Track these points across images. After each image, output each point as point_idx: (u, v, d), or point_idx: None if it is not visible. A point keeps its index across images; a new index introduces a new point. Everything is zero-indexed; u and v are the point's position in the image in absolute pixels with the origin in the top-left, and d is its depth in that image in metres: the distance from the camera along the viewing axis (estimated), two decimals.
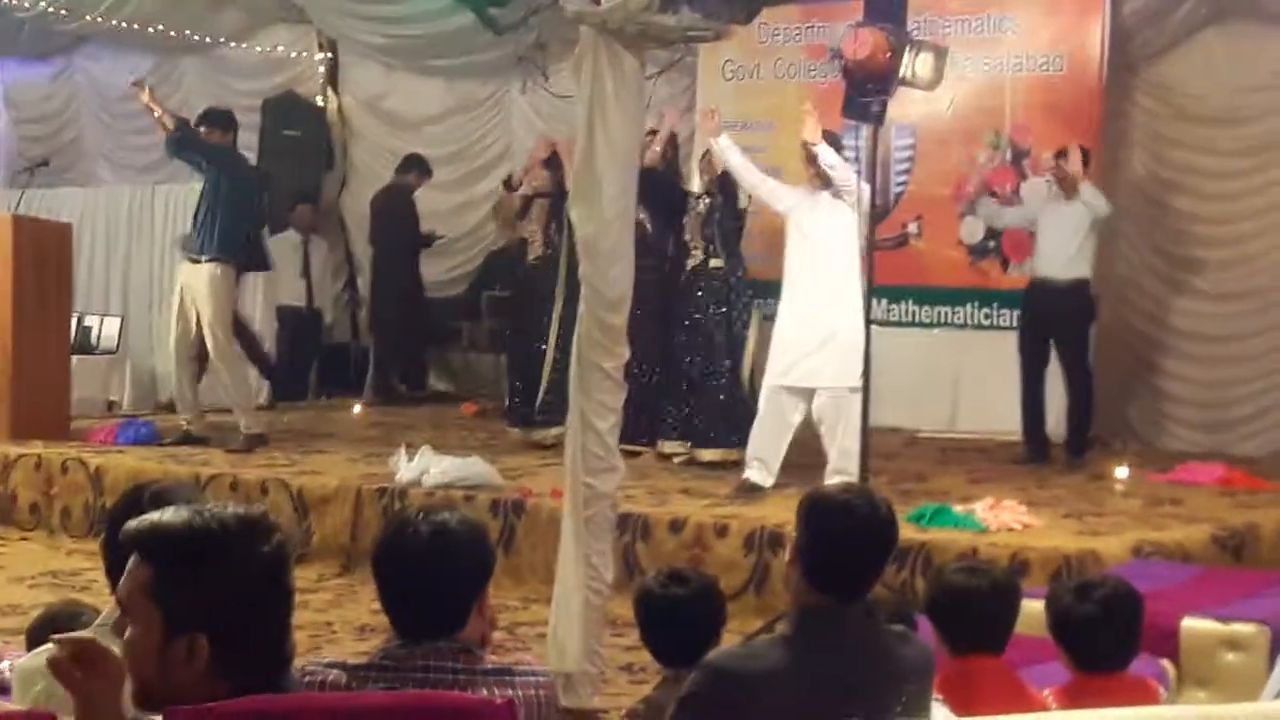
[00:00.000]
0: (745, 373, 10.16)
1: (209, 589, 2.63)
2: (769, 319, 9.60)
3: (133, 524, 2.74)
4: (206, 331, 10.65)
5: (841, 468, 8.83)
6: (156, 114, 10.94)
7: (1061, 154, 10.52)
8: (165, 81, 15.65)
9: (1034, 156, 11.54)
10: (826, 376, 9.00)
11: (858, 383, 8.76)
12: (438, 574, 3.44)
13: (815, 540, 3.73)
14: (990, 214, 11.32)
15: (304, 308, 14.09)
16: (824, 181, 9.19)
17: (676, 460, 10.29)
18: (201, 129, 10.98)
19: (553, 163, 11.02)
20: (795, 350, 9.12)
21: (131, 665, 2.68)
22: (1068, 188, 10.46)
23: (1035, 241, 10.73)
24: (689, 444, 10.33)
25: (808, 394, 9.11)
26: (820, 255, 9.13)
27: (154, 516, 2.73)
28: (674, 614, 4.54)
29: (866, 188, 8.83)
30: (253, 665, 2.63)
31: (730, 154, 9.61)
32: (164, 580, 2.64)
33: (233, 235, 10.82)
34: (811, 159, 9.22)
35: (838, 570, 3.70)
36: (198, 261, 10.73)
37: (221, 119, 11.18)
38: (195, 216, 10.87)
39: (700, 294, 10.32)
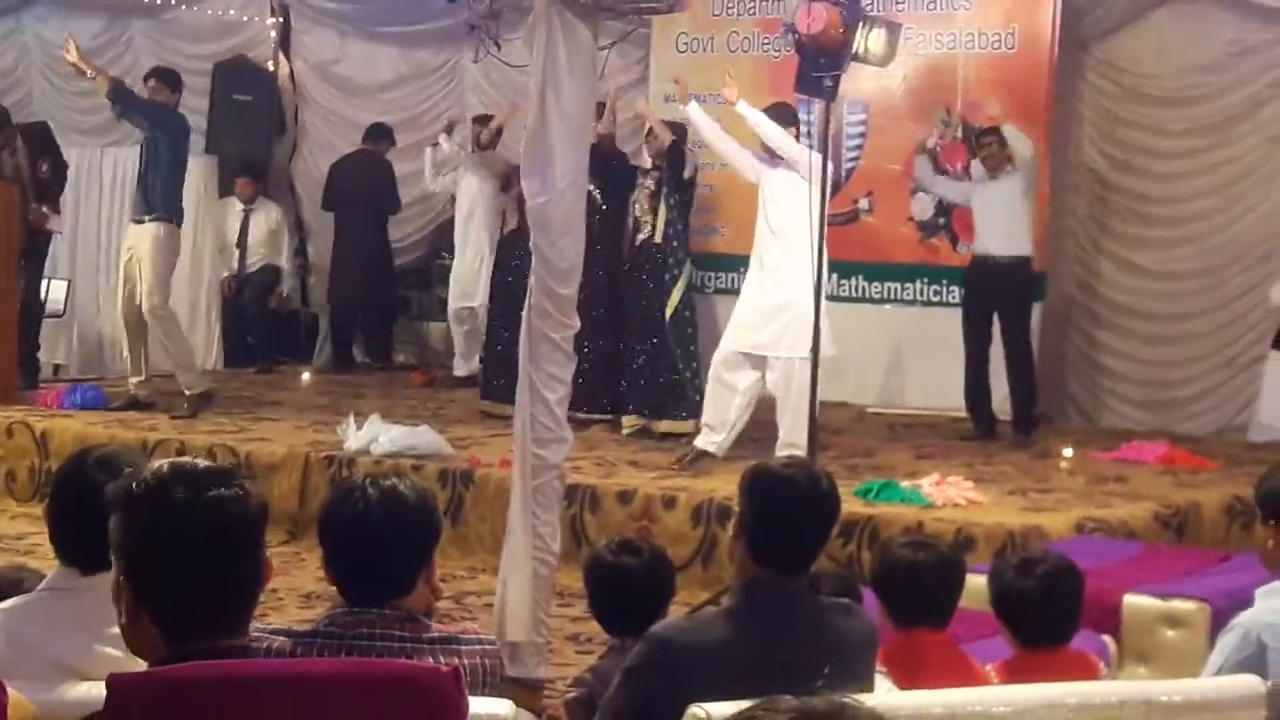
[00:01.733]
0: (671, 343, 10.21)
1: (120, 532, 2.63)
2: (719, 291, 9.66)
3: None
4: (145, 288, 10.58)
5: (791, 440, 8.86)
6: (89, 74, 10.87)
7: (987, 133, 10.62)
8: (114, 44, 15.52)
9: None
10: (780, 346, 9.05)
11: (807, 353, 8.82)
12: (385, 539, 3.43)
13: (757, 514, 3.76)
14: (926, 178, 11.37)
15: (235, 275, 13.99)
16: (770, 152, 9.24)
17: (626, 432, 10.29)
18: (150, 83, 10.91)
19: None
20: (751, 319, 9.17)
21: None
22: (992, 166, 10.57)
23: (974, 221, 10.79)
24: (642, 416, 10.34)
25: (759, 362, 9.15)
26: (777, 227, 9.19)
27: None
28: (624, 583, 4.56)
29: (818, 157, 8.84)
30: (190, 624, 2.60)
31: (700, 119, 9.63)
32: (114, 527, 2.64)
33: (175, 195, 10.78)
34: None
35: (780, 544, 3.72)
36: (141, 222, 10.68)
37: (170, 77, 11.12)
38: (140, 177, 10.80)
39: (648, 267, 10.33)
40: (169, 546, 2.60)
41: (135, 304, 10.72)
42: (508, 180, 11.52)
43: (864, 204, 12.06)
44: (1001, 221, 10.42)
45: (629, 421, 10.40)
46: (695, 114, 9.67)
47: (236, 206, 14.00)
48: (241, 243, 14.03)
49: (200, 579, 2.60)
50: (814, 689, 1.88)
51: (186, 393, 10.78)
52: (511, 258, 11.24)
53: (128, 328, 10.85)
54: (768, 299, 9.14)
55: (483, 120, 12.87)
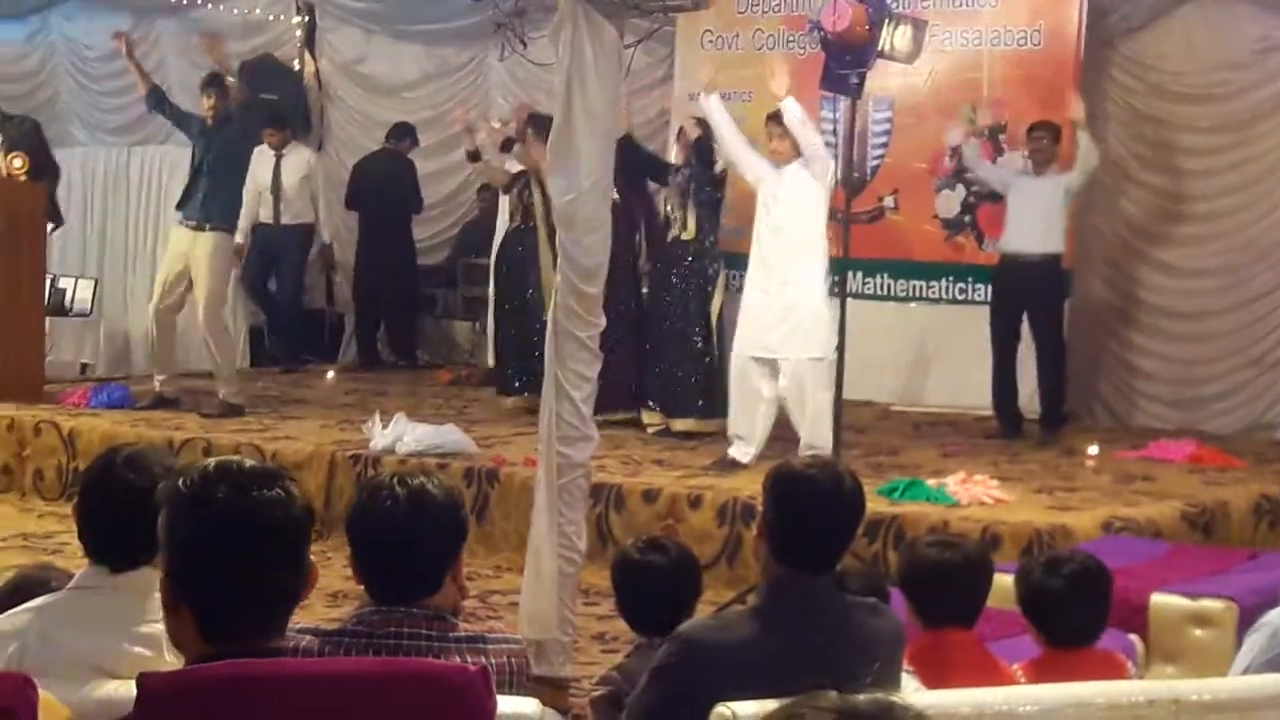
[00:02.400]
0: (713, 343, 10.18)
1: (165, 530, 2.63)
2: (739, 291, 9.62)
3: None
4: (201, 299, 10.61)
5: (813, 444, 8.84)
6: (135, 73, 10.90)
7: (1039, 127, 10.56)
8: (141, 43, 15.48)
9: (1010, 131, 11.54)
10: (789, 348, 9.03)
11: (821, 354, 8.84)
12: (413, 538, 3.43)
13: (781, 515, 3.75)
14: (972, 160, 11.23)
15: (273, 224, 13.84)
16: (785, 155, 9.18)
17: (651, 430, 10.29)
18: (215, 91, 10.87)
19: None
20: (759, 322, 9.15)
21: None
22: (1040, 161, 10.52)
23: (1006, 216, 10.76)
24: (664, 414, 10.34)
25: (774, 365, 9.14)
26: (783, 227, 9.15)
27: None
28: (651, 582, 4.56)
29: (832, 163, 8.85)
30: (229, 624, 2.61)
31: (716, 113, 9.58)
32: (160, 524, 2.65)
33: (233, 203, 10.83)
34: (775, 127, 9.23)
35: (804, 544, 3.72)
36: (201, 229, 10.67)
37: (221, 84, 11.12)
38: (194, 182, 10.76)
39: (682, 265, 10.32)
40: (209, 545, 2.60)
41: (173, 303, 10.75)
42: (509, 184, 11.56)
43: (889, 201, 12.03)
44: (1039, 219, 10.38)
45: (650, 418, 10.39)
46: (712, 106, 9.61)
47: (268, 153, 13.80)
48: (275, 189, 13.87)
49: (239, 579, 2.61)
50: (856, 687, 1.88)
51: (221, 397, 10.79)
52: (513, 251, 11.29)
53: (159, 325, 10.87)
54: (774, 300, 9.12)
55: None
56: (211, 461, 2.70)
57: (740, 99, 12.13)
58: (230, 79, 11.06)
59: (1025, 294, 10.47)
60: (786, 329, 9.05)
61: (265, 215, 13.50)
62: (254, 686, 2.53)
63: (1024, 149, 10.92)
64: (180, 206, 10.82)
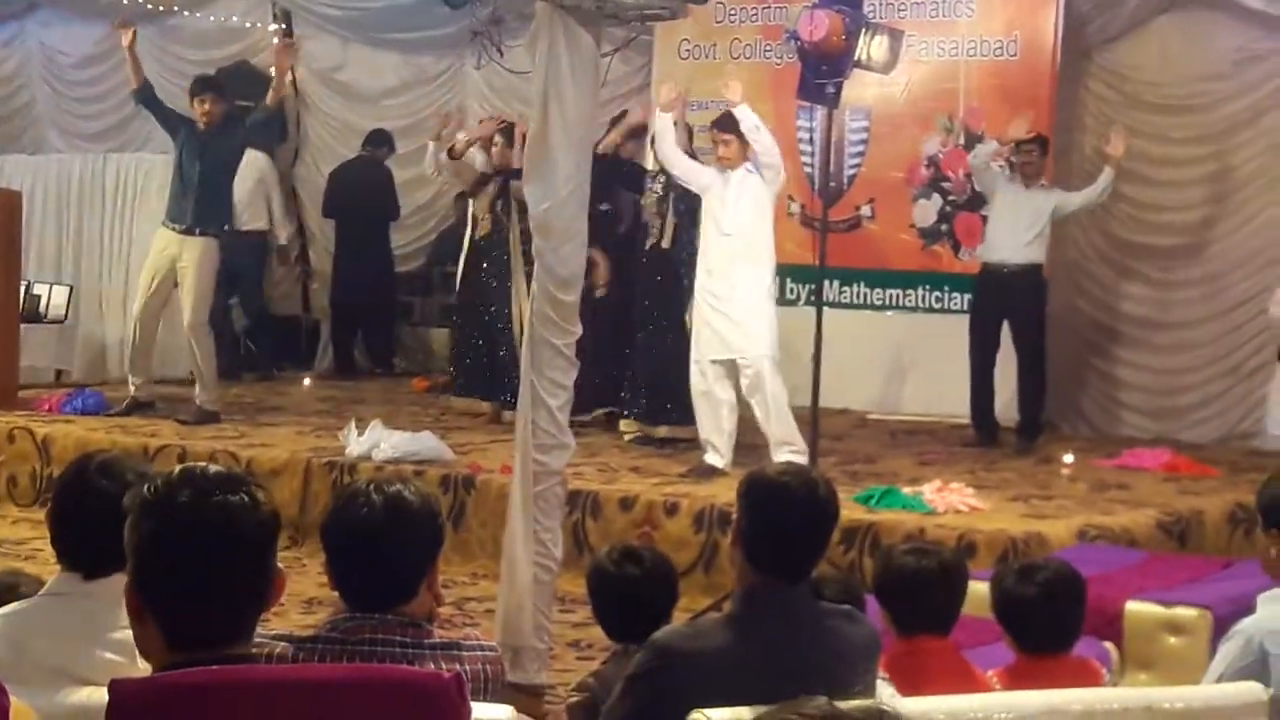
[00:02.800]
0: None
1: (130, 536, 2.61)
2: None
3: None
4: (188, 303, 10.58)
5: (785, 439, 8.89)
6: (130, 65, 10.85)
7: (1030, 141, 10.56)
8: (118, 49, 15.38)
9: (987, 141, 11.55)
10: (746, 348, 9.07)
11: (773, 352, 8.90)
12: (389, 544, 3.43)
13: (754, 522, 3.76)
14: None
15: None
16: (732, 160, 9.21)
17: (628, 438, 10.29)
18: (210, 95, 10.83)
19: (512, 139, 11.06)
20: (714, 325, 9.19)
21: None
22: (1029, 174, 10.55)
23: (988, 225, 10.77)
24: (643, 421, 10.34)
25: (730, 367, 9.16)
26: (731, 232, 9.18)
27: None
28: (627, 593, 4.56)
29: (783, 172, 8.93)
30: (190, 632, 2.59)
31: (662, 130, 9.60)
32: (126, 530, 2.64)
33: (224, 209, 10.81)
34: (721, 133, 9.26)
35: (778, 551, 3.72)
36: (191, 234, 10.64)
37: (218, 88, 11.09)
38: (183, 186, 10.71)
39: (659, 273, 10.34)
40: (172, 550, 2.58)
41: (160, 309, 10.72)
42: (475, 185, 11.55)
43: (866, 211, 12.05)
44: (1024, 230, 10.42)
45: (627, 425, 10.40)
46: (661, 126, 9.65)
47: None
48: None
49: (203, 585, 2.58)
50: (832, 694, 1.87)
51: (198, 404, 10.75)
52: (480, 261, 11.31)
53: (142, 329, 10.81)
54: (722, 304, 9.16)
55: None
56: (176, 467, 2.69)
57: (717, 108, 12.12)
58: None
59: (1007, 303, 10.49)
60: (741, 330, 9.10)
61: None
62: (227, 693, 2.53)
63: (1000, 160, 10.87)
64: (170, 210, 10.76)
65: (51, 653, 3.24)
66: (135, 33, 11.08)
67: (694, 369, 9.32)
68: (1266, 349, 10.90)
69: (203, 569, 2.57)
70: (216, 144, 10.72)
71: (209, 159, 10.69)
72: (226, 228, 11.04)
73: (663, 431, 10.18)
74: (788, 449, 8.78)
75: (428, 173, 12.70)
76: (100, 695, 2.55)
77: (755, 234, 9.18)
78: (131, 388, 10.94)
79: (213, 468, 2.70)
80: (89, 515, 3.34)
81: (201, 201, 10.63)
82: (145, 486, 2.63)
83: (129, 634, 3.22)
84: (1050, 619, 4.37)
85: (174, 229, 10.67)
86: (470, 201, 11.73)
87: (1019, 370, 10.56)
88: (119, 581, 3.24)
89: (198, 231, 10.61)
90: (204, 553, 2.57)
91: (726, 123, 9.27)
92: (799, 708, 1.80)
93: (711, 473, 9.01)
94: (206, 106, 10.75)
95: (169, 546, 2.58)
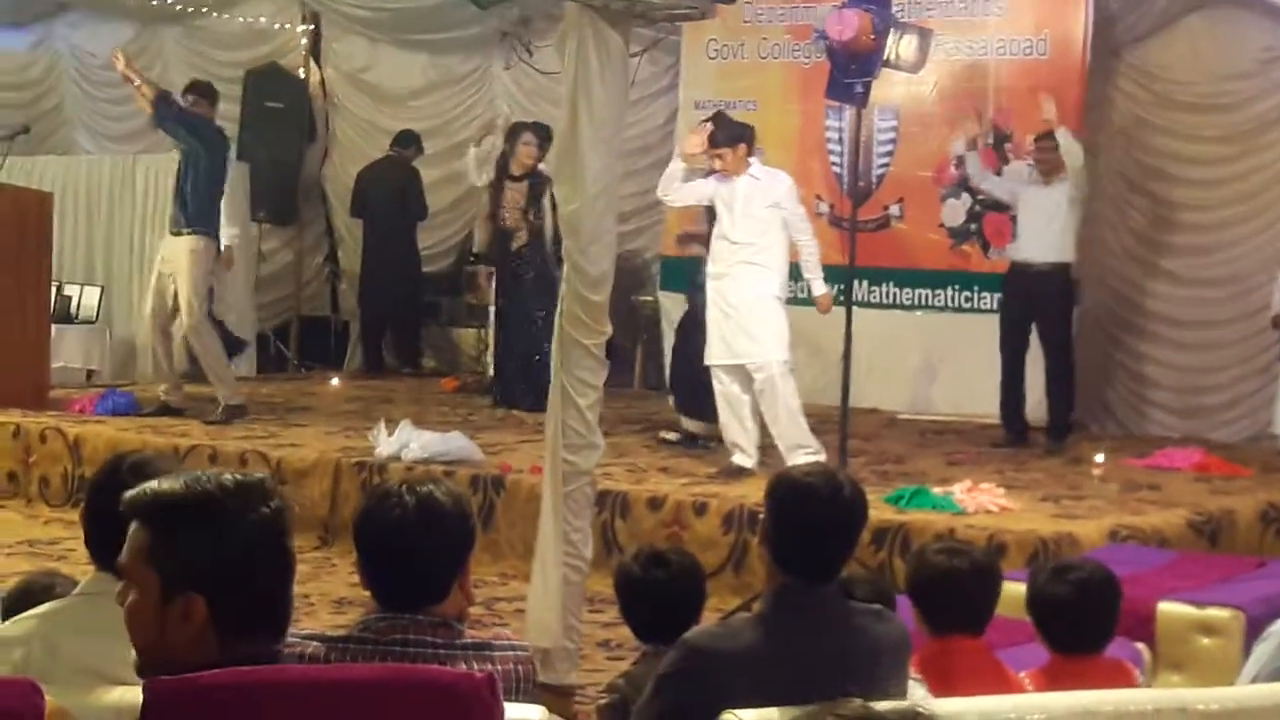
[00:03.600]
0: None
1: (202, 549, 2.63)
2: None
3: (131, 491, 2.75)
4: (183, 304, 10.61)
5: (796, 442, 8.88)
6: (135, 83, 10.85)
7: (1045, 136, 10.55)
8: (145, 51, 15.56)
9: (1016, 140, 11.54)
10: (750, 353, 9.04)
11: (783, 356, 8.88)
12: (422, 545, 3.42)
13: (781, 523, 3.76)
14: (975, 174, 11.23)
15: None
16: (733, 168, 9.19)
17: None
18: (189, 97, 10.93)
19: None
20: (720, 331, 9.16)
21: (132, 632, 2.70)
22: (1046, 170, 10.52)
23: (1015, 225, 10.77)
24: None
25: (743, 370, 9.14)
26: (737, 240, 9.14)
27: (153, 483, 2.75)
28: (654, 596, 4.55)
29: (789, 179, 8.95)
30: (250, 631, 2.63)
31: (670, 175, 9.55)
32: (160, 543, 2.65)
33: (212, 208, 10.82)
34: (714, 149, 9.27)
35: (806, 552, 3.72)
36: (179, 234, 10.69)
37: (209, 90, 11.14)
38: (177, 189, 10.79)
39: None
40: (248, 552, 2.67)
41: (164, 313, 10.76)
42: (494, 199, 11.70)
43: (895, 210, 12.03)
44: (1048, 228, 10.40)
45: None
46: (672, 166, 9.61)
47: None
48: None
49: (266, 588, 2.69)
50: (863, 694, 1.87)
51: (222, 402, 10.80)
52: (521, 271, 11.38)
53: (156, 334, 10.89)
54: (731, 309, 9.12)
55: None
56: (228, 477, 2.73)
57: (745, 108, 12.14)
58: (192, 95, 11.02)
59: (1035, 303, 10.47)
60: (749, 336, 9.06)
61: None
62: (261, 692, 2.54)
63: (1029, 158, 10.90)
64: (172, 214, 10.81)
65: (85, 653, 3.26)
66: (123, 55, 11.10)
67: (712, 374, 9.30)
68: None
69: (268, 575, 2.71)
70: (194, 146, 10.76)
71: (188, 160, 10.77)
72: None
73: (691, 426, 10.24)
74: (802, 452, 8.76)
75: (472, 180, 12.72)
76: (135, 695, 2.56)
77: (765, 240, 9.13)
78: (160, 392, 10.99)
79: (239, 475, 2.75)
80: (113, 514, 3.35)
81: (184, 201, 10.71)
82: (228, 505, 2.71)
83: None
84: (1083, 619, 4.35)
85: (170, 232, 10.80)
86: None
87: (1047, 370, 10.54)
88: None
89: (184, 232, 10.69)
90: (276, 559, 2.72)
91: (717, 139, 9.25)
92: (835, 709, 1.80)
93: (740, 473, 9.01)
94: (197, 109, 10.86)
95: (239, 556, 2.67)
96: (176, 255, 10.66)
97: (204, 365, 10.92)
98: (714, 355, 9.25)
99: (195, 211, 10.65)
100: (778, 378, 9.02)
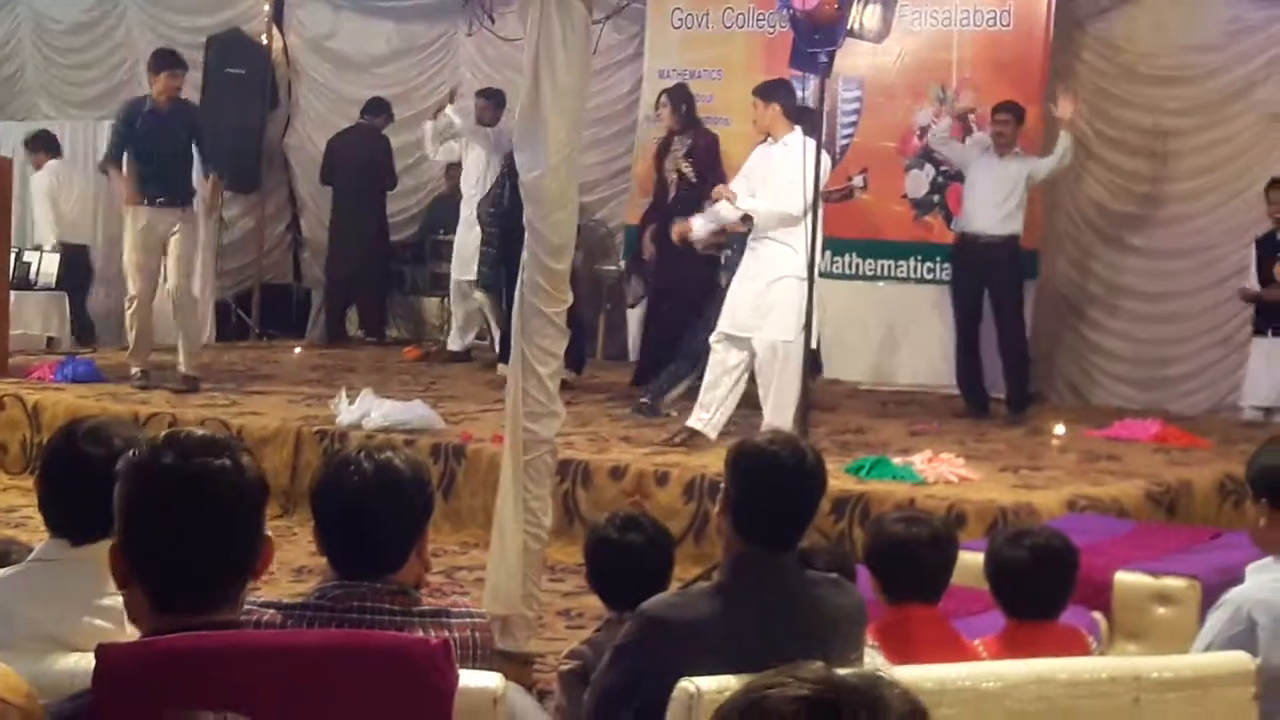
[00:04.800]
0: None
1: (122, 498, 2.61)
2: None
3: None
4: (179, 271, 10.63)
5: (774, 424, 8.82)
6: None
7: (1002, 108, 10.58)
8: (107, 17, 15.48)
9: (979, 112, 11.55)
10: (763, 329, 9.00)
11: (791, 337, 8.82)
12: (380, 512, 3.42)
13: (742, 491, 3.76)
14: (942, 136, 11.24)
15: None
16: (767, 128, 9.15)
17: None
18: (178, 72, 10.85)
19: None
20: (737, 300, 9.13)
21: None
22: (1001, 144, 10.55)
23: (964, 196, 10.79)
24: None
25: (745, 343, 9.09)
26: (761, 209, 9.10)
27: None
28: (629, 561, 4.55)
29: (811, 144, 8.75)
30: (173, 597, 2.58)
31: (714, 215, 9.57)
32: (115, 494, 2.63)
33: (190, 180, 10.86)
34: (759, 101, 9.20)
35: (766, 520, 3.73)
36: (175, 206, 10.65)
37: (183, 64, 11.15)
38: (162, 163, 10.66)
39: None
40: (152, 512, 2.58)
41: (186, 283, 10.79)
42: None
43: (858, 181, 12.02)
44: (999, 200, 10.44)
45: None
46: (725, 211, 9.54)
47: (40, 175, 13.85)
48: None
49: (183, 549, 2.57)
50: (830, 661, 1.86)
51: (182, 370, 10.74)
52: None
53: (182, 306, 10.84)
54: (751, 281, 9.08)
55: (487, 94, 12.83)
56: (164, 432, 2.68)
57: (710, 77, 12.14)
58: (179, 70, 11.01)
59: (985, 274, 10.52)
60: (761, 310, 9.00)
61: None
62: (215, 658, 2.52)
63: (989, 129, 10.92)
64: (156, 188, 10.69)
65: (40, 619, 3.25)
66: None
67: (714, 335, 9.22)
68: None
69: (183, 532, 2.57)
70: (180, 118, 10.75)
71: (179, 134, 10.76)
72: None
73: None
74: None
75: (429, 154, 12.71)
76: (88, 661, 2.54)
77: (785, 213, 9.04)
78: (181, 365, 10.81)
79: (199, 432, 2.69)
80: (76, 480, 3.33)
81: (178, 175, 10.71)
82: (131, 450, 2.63)
83: (117, 600, 3.23)
84: (1039, 584, 4.38)
85: (165, 205, 10.65)
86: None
87: (999, 342, 10.57)
88: (107, 547, 3.25)
89: (181, 206, 10.70)
90: (184, 516, 2.56)
91: (766, 92, 9.20)
92: (795, 672, 1.80)
93: (693, 435, 8.97)
94: (177, 82, 10.80)
95: (150, 509, 2.58)
96: (183, 226, 10.70)
97: (185, 333, 10.87)
98: (721, 322, 9.18)
99: (185, 184, 10.79)
100: (779, 359, 8.96)
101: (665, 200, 11.13)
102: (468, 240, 12.60)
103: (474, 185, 12.64)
